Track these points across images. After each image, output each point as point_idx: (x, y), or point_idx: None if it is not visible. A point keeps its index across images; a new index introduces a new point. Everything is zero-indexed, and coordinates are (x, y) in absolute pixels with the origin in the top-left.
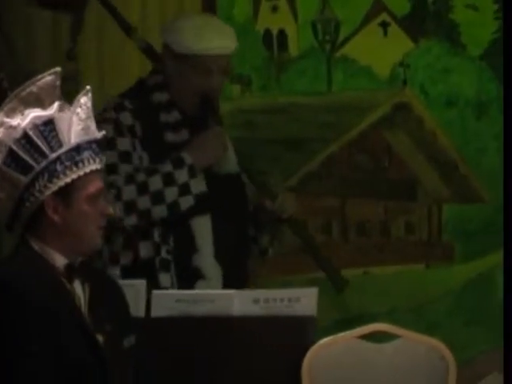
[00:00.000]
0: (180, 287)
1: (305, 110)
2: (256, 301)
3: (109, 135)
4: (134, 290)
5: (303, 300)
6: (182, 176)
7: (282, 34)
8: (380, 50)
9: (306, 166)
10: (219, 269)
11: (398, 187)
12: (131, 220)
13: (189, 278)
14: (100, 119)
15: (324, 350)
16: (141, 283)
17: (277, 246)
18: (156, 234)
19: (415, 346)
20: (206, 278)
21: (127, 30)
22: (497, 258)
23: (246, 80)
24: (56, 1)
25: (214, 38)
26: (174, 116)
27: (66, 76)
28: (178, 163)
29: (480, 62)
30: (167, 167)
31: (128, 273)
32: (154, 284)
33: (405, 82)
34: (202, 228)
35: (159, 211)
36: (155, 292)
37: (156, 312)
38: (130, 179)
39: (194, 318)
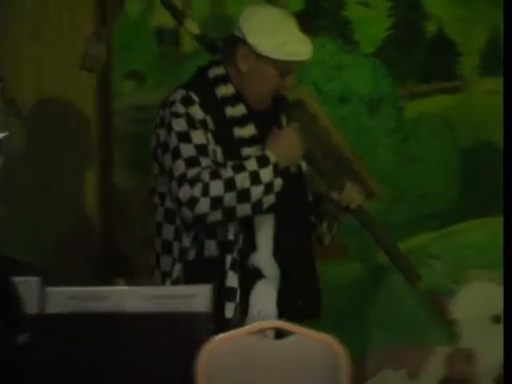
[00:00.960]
0: (243, 288)
1: None
2: (150, 297)
3: (182, 129)
4: (27, 286)
5: (199, 297)
6: (266, 175)
7: (175, 30)
8: None
9: None
10: (277, 268)
11: None
12: (216, 216)
13: (250, 277)
14: (168, 113)
15: (219, 346)
16: (34, 280)
17: (334, 234)
18: (230, 233)
19: (309, 342)
20: (266, 277)
21: (179, 16)
22: None
23: (140, 76)
24: None
25: (302, 46)
26: (240, 110)
27: None
28: (263, 161)
29: (373, 59)
30: (253, 165)
31: (191, 270)
32: (221, 284)
33: (299, 79)
34: (265, 226)
35: (244, 209)
36: (49, 289)
37: (50, 309)
38: (216, 174)
39: (88, 314)
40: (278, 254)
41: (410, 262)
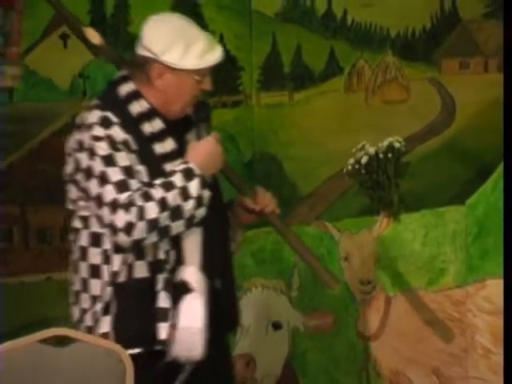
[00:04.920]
0: (172, 303)
1: None
2: None
3: (106, 153)
4: None
5: None
6: (194, 188)
7: None
8: (60, 61)
9: None
10: (205, 281)
11: None
12: (152, 237)
13: (177, 291)
14: (88, 137)
15: (5, 354)
16: None
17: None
18: (161, 252)
19: (93, 348)
20: (194, 291)
21: (78, 25)
22: None
23: None
24: None
25: (215, 48)
26: (158, 125)
27: None
28: (189, 175)
29: None
30: (180, 180)
31: (123, 292)
32: (152, 305)
33: (84, 93)
34: (192, 239)
35: (178, 227)
36: None
37: None
38: (148, 196)
39: None
40: (206, 265)
41: (326, 267)
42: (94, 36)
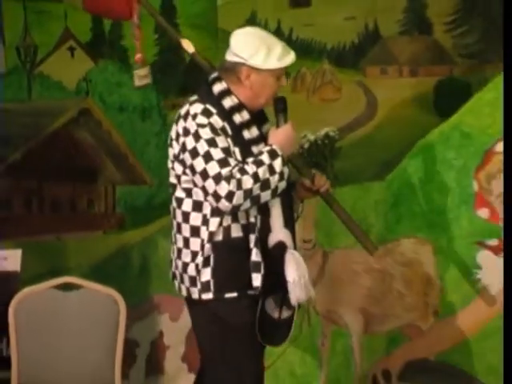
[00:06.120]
0: (266, 261)
1: (10, 114)
2: None
3: (209, 136)
4: None
5: (9, 259)
6: (278, 165)
7: None
8: (68, 68)
9: (12, 156)
10: (290, 236)
11: (83, 173)
12: (247, 204)
13: (276, 251)
14: (194, 124)
15: (25, 297)
16: None
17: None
18: (252, 216)
19: (95, 293)
20: (289, 248)
21: (177, 37)
22: (158, 225)
23: None
24: None
25: (289, 51)
26: (245, 116)
27: None
28: (274, 155)
29: None
30: (267, 159)
31: (222, 248)
32: (246, 259)
33: (87, 93)
34: (277, 208)
35: (266, 196)
36: None
37: None
38: (244, 171)
39: None
40: (287, 228)
41: (367, 235)
42: (188, 45)
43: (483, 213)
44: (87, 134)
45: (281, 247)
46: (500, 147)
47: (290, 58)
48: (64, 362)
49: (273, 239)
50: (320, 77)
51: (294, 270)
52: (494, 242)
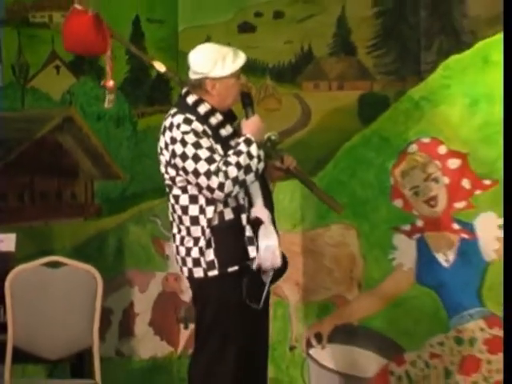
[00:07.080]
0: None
1: (6, 121)
2: None
3: (194, 141)
4: None
5: (5, 241)
6: (254, 150)
7: None
8: (55, 83)
9: (8, 157)
10: (269, 214)
11: (67, 170)
12: (236, 190)
13: (254, 225)
14: (179, 133)
15: (18, 273)
16: None
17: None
18: (240, 198)
19: (77, 270)
20: (264, 222)
21: (148, 60)
22: (130, 213)
23: None
24: None
25: (240, 52)
26: (219, 117)
27: None
28: (249, 142)
29: (118, 91)
30: (244, 147)
31: (219, 231)
32: (241, 235)
33: (70, 104)
34: (255, 188)
35: (250, 179)
36: None
37: None
38: (228, 162)
39: None
40: (266, 204)
41: (334, 198)
42: (160, 66)
43: (398, 203)
44: (70, 137)
45: (256, 222)
46: (412, 149)
47: (242, 58)
48: (51, 327)
49: (252, 216)
50: (263, 90)
51: (263, 241)
52: (407, 227)
